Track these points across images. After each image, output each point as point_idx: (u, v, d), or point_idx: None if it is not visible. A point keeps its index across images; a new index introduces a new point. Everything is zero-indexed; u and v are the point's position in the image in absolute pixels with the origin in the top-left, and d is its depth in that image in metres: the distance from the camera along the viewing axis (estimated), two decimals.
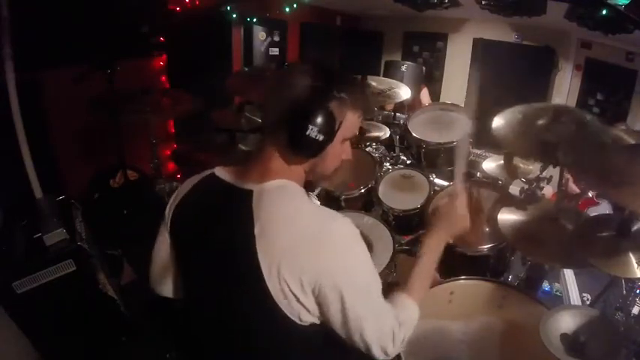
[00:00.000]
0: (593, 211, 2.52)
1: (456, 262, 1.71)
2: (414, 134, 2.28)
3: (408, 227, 2.13)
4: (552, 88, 4.43)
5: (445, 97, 5.06)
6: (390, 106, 3.41)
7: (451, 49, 5.07)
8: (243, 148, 2.52)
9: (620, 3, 2.46)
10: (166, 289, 1.16)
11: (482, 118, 1.56)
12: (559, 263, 1.79)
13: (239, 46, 4.06)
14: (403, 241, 2.12)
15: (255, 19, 4.05)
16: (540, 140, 1.51)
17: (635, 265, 1.27)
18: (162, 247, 1.12)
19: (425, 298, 1.11)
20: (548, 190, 1.94)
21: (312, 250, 0.88)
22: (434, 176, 2.26)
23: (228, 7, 3.80)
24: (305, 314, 0.91)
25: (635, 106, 3.63)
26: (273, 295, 0.88)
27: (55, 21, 2.54)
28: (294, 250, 0.88)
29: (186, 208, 1.08)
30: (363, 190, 2.18)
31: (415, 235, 2.12)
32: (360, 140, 2.64)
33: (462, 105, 2.45)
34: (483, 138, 2.07)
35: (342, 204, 2.16)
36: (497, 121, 1.66)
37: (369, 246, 1.76)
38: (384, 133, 2.91)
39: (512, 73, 4.31)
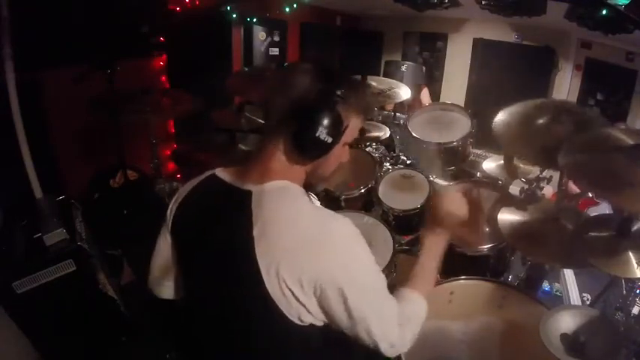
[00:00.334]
0: (593, 211, 2.51)
1: (456, 262, 1.70)
2: (414, 134, 2.28)
3: (408, 227, 2.13)
4: (552, 88, 4.42)
5: (445, 97, 5.05)
6: (390, 106, 3.40)
7: (451, 49, 5.05)
8: (243, 148, 2.52)
9: (620, 3, 2.45)
10: (165, 290, 1.17)
11: (482, 118, 1.56)
12: (559, 263, 1.79)
13: (239, 46, 4.05)
14: (403, 241, 2.12)
15: (255, 19, 4.04)
16: (540, 145, 1.51)
17: (635, 265, 1.26)
18: (164, 247, 1.12)
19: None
20: (548, 190, 1.93)
21: (312, 251, 0.89)
22: (434, 176, 2.26)
23: (228, 7, 3.79)
24: (305, 315, 0.91)
25: (635, 106, 3.63)
26: (272, 296, 0.88)
27: (55, 21, 2.54)
28: (294, 252, 0.88)
29: (187, 209, 1.08)
30: (363, 190, 2.18)
31: (415, 235, 2.12)
32: (360, 140, 2.64)
33: (462, 105, 2.45)
34: (483, 138, 2.07)
35: (342, 204, 2.15)
36: (498, 121, 1.66)
37: (369, 246, 1.75)
38: (384, 133, 2.91)
39: (512, 73, 4.30)
